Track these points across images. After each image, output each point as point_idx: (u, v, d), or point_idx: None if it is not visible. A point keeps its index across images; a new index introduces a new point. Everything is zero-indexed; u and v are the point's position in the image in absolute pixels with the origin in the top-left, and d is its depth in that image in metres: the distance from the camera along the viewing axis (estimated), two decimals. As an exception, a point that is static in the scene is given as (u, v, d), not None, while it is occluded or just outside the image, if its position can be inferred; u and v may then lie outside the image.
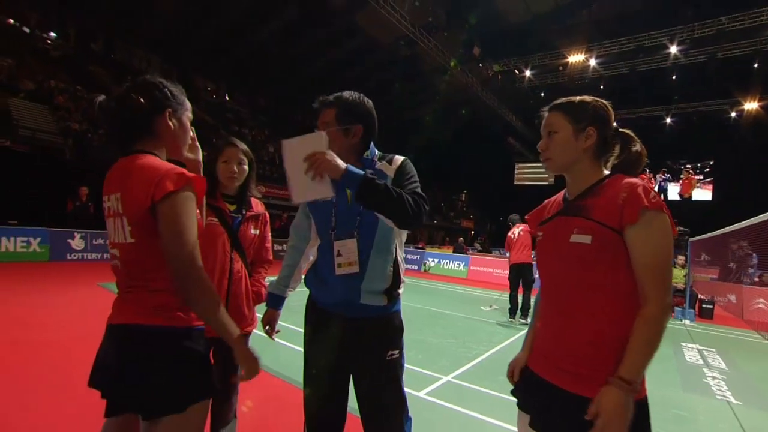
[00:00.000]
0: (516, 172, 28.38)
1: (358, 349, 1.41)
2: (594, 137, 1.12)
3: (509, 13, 16.23)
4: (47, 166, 10.72)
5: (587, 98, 1.18)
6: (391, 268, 1.44)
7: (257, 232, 1.91)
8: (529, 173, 27.86)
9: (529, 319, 7.19)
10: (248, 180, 1.88)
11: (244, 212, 1.85)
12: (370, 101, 1.47)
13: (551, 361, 1.09)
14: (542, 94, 20.60)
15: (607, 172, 1.14)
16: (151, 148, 1.11)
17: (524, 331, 5.57)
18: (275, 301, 1.66)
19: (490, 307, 7.39)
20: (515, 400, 1.21)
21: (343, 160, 1.40)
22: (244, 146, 1.86)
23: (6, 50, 12.98)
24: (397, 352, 1.44)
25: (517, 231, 6.29)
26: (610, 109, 1.17)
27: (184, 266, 0.99)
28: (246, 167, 1.85)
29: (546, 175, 27.43)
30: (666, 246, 0.99)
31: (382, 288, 1.41)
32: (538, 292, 1.27)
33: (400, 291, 1.49)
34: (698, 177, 22.69)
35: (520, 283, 6.16)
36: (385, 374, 1.42)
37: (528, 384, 1.18)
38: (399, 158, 1.47)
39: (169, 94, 1.13)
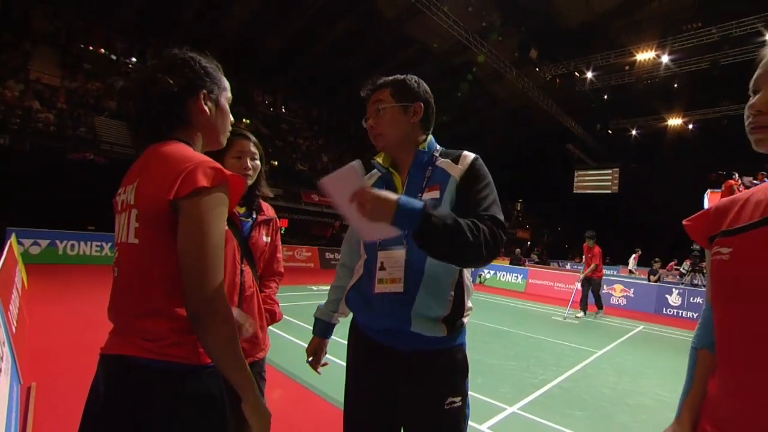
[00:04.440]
0: (575, 180, 26.65)
1: (409, 392, 1.10)
2: None
3: (568, 13, 15.37)
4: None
5: None
6: (453, 292, 1.12)
7: (269, 239, 1.66)
8: (589, 181, 26.00)
9: (600, 313, 7.62)
10: (259, 178, 1.62)
11: (254, 216, 1.61)
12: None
13: None
14: (605, 97, 19.28)
15: None
16: (184, 136, 0.92)
17: (597, 355, 4.96)
18: (323, 329, 1.40)
19: (564, 318, 7.42)
20: None
21: (403, 145, 1.17)
22: (254, 138, 1.60)
23: (96, 75, 14.50)
24: (459, 399, 1.12)
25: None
26: None
27: (202, 285, 0.77)
28: (258, 162, 1.59)
29: (609, 183, 25.88)
30: None
31: (440, 315, 1.10)
32: (697, 337, 0.89)
33: (465, 320, 1.17)
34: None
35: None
36: (443, 429, 1.11)
37: None
38: (469, 155, 1.17)
39: (203, 72, 0.93)
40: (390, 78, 1.22)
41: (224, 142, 1.03)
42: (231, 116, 1.02)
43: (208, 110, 0.94)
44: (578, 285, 7.79)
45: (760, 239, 0.71)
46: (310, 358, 1.41)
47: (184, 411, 0.79)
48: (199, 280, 0.77)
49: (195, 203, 0.79)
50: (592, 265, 7.48)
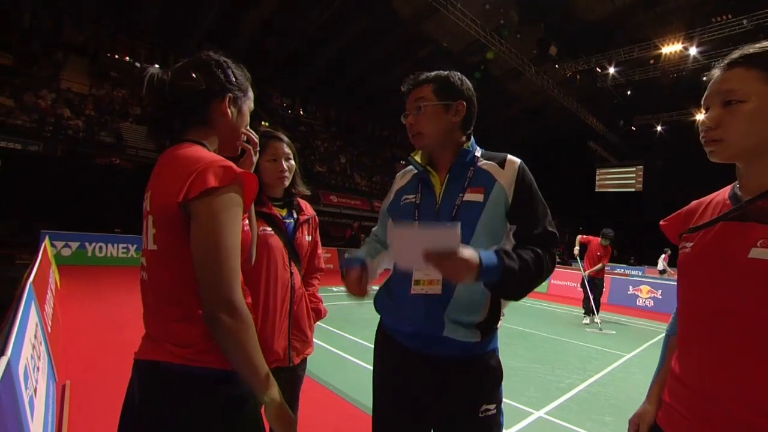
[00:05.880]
0: (597, 177, 26.00)
1: (441, 400, 1.06)
2: None
3: (588, 7, 15.01)
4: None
5: None
6: (490, 297, 1.09)
7: (311, 237, 1.66)
8: (611, 179, 25.34)
9: (597, 319, 6.89)
10: (295, 177, 1.62)
11: (296, 216, 1.61)
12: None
13: (705, 416, 0.78)
14: (628, 92, 18.72)
15: None
16: (201, 137, 0.91)
17: (626, 358, 4.82)
18: (356, 260, 1.19)
19: (600, 330, 6.50)
20: None
21: (443, 144, 1.15)
22: (287, 138, 1.59)
23: (121, 83, 14.99)
24: (493, 407, 1.10)
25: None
26: None
27: (217, 287, 0.76)
28: (293, 162, 1.58)
29: (632, 181, 25.14)
30: None
31: (475, 320, 1.07)
32: (670, 325, 1.01)
33: (498, 326, 1.14)
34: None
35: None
36: None
37: None
38: (515, 161, 1.14)
39: (233, 77, 0.94)
40: (433, 74, 1.18)
41: (239, 149, 1.03)
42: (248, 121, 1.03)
43: (230, 114, 0.93)
44: (586, 285, 7.01)
45: (712, 234, 0.84)
46: (352, 287, 1.15)
47: (217, 417, 0.79)
48: (214, 283, 0.76)
49: (206, 204, 0.77)
50: (600, 265, 6.89)
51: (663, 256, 13.44)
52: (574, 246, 7.21)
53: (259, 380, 0.79)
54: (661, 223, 1.04)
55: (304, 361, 1.61)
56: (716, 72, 0.83)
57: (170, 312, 0.82)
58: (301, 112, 22.45)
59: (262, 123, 18.85)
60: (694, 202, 0.98)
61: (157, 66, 0.93)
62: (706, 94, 0.84)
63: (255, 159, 1.09)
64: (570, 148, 25.15)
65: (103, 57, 15.44)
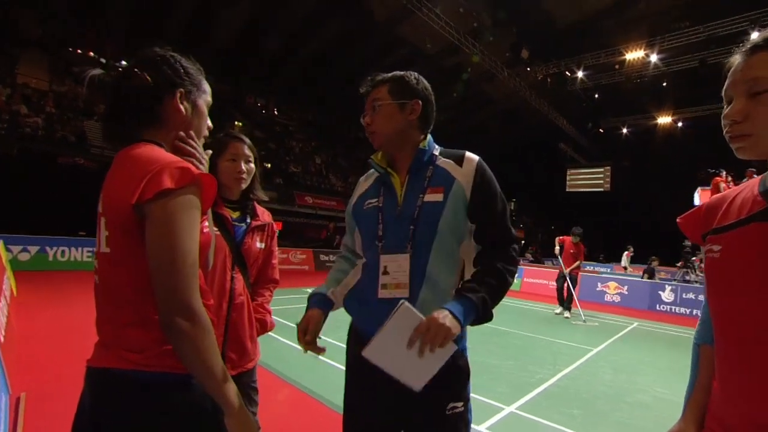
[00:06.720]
0: (568, 178, 26.86)
1: (410, 398, 1.07)
2: None
3: (559, 13, 15.50)
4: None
5: None
6: (455, 295, 1.11)
7: (263, 245, 1.59)
8: (581, 179, 26.22)
9: (567, 314, 7.48)
10: (253, 181, 1.57)
11: (248, 221, 1.55)
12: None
13: None
14: (596, 96, 19.44)
15: None
16: (157, 137, 0.88)
17: (593, 352, 4.98)
18: (320, 301, 1.22)
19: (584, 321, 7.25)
20: None
21: (399, 144, 1.16)
22: (249, 141, 1.57)
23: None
24: (461, 404, 1.11)
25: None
26: None
27: (174, 292, 0.73)
28: (253, 165, 1.54)
29: (601, 181, 26.12)
30: None
31: None
32: (698, 333, 0.90)
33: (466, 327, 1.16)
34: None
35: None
36: None
37: None
38: (473, 158, 1.15)
39: (182, 71, 0.90)
40: (389, 75, 1.19)
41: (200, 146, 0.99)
42: (210, 121, 0.99)
43: (184, 110, 0.90)
44: (566, 281, 7.57)
45: (745, 236, 0.73)
46: (306, 336, 1.16)
47: (172, 424, 0.76)
48: (171, 287, 0.73)
49: (161, 206, 0.74)
50: (578, 262, 7.57)
51: (626, 253, 14.01)
52: (554, 246, 7.87)
53: (217, 385, 0.76)
54: (678, 220, 0.94)
55: (246, 374, 1.51)
56: (737, 59, 0.73)
57: (122, 316, 0.79)
58: (276, 112, 22.13)
59: (236, 123, 18.45)
60: (715, 196, 0.87)
61: (98, 69, 0.89)
62: (727, 83, 0.74)
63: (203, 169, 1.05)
64: (544, 150, 25.86)
65: (65, 52, 14.71)
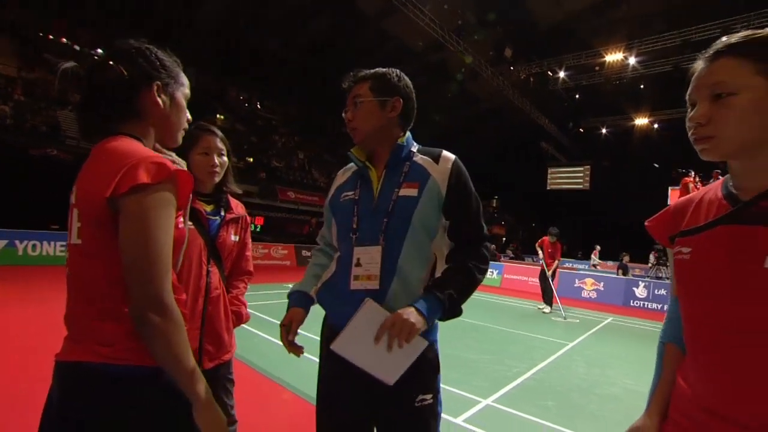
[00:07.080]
0: (549, 176, 27.39)
1: (381, 390, 1.08)
2: None
3: (542, 13, 15.72)
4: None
5: None
6: (424, 288, 1.13)
7: (237, 238, 1.60)
8: (562, 178, 26.78)
9: (548, 309, 7.81)
10: (226, 175, 1.57)
11: (222, 214, 1.55)
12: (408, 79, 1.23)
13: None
14: (577, 96, 19.86)
15: None
16: (136, 131, 0.87)
17: (569, 347, 5.11)
18: (301, 299, 1.26)
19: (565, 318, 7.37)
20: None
21: (379, 140, 1.18)
22: (221, 134, 1.55)
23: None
24: (430, 396, 1.12)
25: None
26: None
27: (147, 287, 0.73)
28: (226, 159, 1.54)
29: (581, 180, 26.76)
30: None
31: None
32: (664, 332, 0.92)
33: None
34: None
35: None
36: (414, 426, 1.11)
37: None
38: (449, 157, 1.18)
39: (158, 64, 0.89)
40: (371, 71, 1.20)
41: (179, 139, 0.99)
42: (189, 114, 0.99)
43: (161, 103, 0.89)
44: (546, 278, 7.86)
45: (713, 239, 0.75)
46: (289, 336, 1.21)
47: (142, 417, 0.76)
48: (144, 281, 0.74)
49: (135, 201, 0.74)
50: (556, 261, 7.92)
51: (594, 251, 14.49)
52: (535, 242, 8.28)
53: (187, 379, 0.77)
54: (646, 223, 0.96)
55: (223, 366, 1.53)
56: (700, 64, 0.76)
57: (92, 309, 0.78)
58: (259, 106, 21.80)
59: (218, 116, 18.10)
60: (682, 199, 0.89)
61: (71, 62, 0.86)
62: (690, 88, 0.77)
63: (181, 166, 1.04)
64: (526, 149, 26.25)
65: (34, 36, 14.09)
